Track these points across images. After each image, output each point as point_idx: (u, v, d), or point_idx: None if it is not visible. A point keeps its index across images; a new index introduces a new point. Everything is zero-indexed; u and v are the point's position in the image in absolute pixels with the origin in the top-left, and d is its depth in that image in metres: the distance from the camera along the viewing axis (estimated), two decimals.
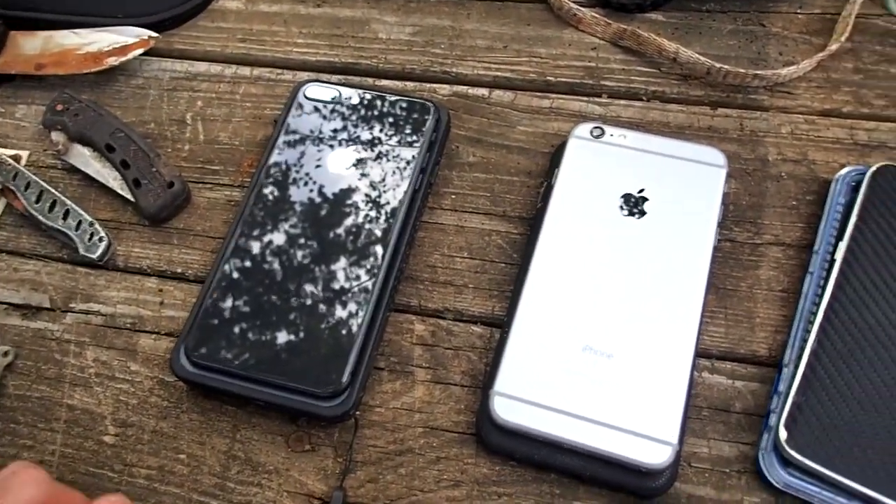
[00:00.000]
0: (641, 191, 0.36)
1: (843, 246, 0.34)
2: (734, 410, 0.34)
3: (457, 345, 0.36)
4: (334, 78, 0.44)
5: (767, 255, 0.37)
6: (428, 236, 0.39)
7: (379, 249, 0.36)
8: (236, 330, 0.35)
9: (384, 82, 0.44)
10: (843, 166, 0.38)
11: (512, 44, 0.44)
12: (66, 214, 0.40)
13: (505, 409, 0.32)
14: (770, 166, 0.39)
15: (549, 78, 0.43)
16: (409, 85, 0.44)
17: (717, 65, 0.40)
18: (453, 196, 0.40)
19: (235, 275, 0.36)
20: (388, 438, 0.34)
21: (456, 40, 0.45)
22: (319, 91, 0.41)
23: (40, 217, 0.40)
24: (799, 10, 0.43)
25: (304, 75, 0.44)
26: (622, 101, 0.42)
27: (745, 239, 0.37)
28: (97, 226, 0.40)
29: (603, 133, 0.38)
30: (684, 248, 0.35)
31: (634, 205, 0.36)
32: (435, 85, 0.43)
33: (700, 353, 0.35)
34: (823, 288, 0.34)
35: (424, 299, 0.37)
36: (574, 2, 0.44)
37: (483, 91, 0.43)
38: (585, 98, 0.42)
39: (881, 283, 0.33)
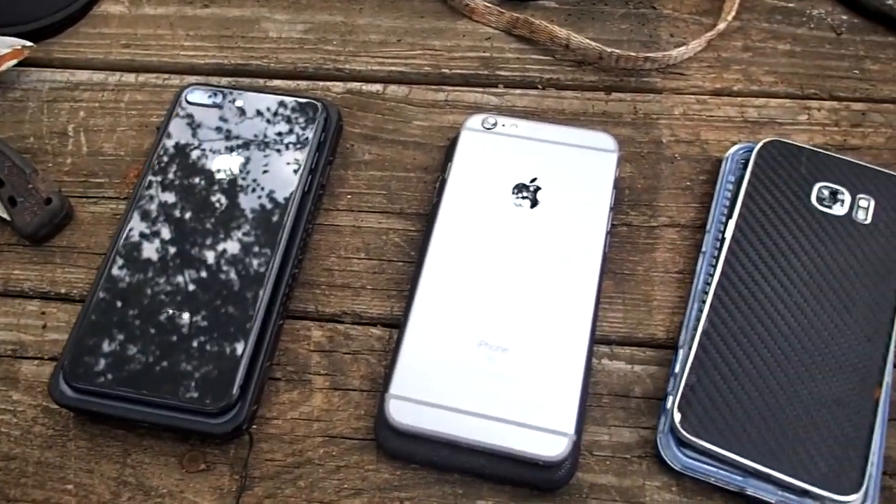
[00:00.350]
0: (534, 180, 0.36)
1: (731, 224, 0.34)
2: (634, 395, 0.33)
3: (355, 349, 0.35)
4: (224, 80, 0.42)
5: (663, 237, 0.37)
6: (323, 238, 0.38)
7: (267, 256, 0.35)
8: (118, 350, 0.33)
9: (276, 82, 0.42)
10: (734, 144, 0.38)
11: (405, 37, 0.43)
12: None
13: (401, 412, 0.31)
14: (664, 148, 0.39)
15: (443, 70, 0.42)
16: (302, 84, 0.42)
17: (609, 49, 0.40)
18: (349, 196, 0.39)
19: (115, 292, 0.34)
20: (287, 451, 0.33)
21: (349, 36, 0.44)
22: (202, 95, 0.39)
23: None
24: None
25: (193, 79, 0.42)
26: (517, 91, 0.41)
27: (641, 222, 0.37)
28: None
29: (495, 124, 0.38)
30: (578, 235, 0.34)
31: (527, 194, 0.36)
32: (328, 83, 0.42)
33: (599, 340, 0.34)
34: (715, 267, 0.34)
35: (321, 304, 0.36)
36: None
37: (377, 87, 0.42)
38: (481, 89, 0.41)
39: (769, 259, 0.33)
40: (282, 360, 0.35)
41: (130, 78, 0.43)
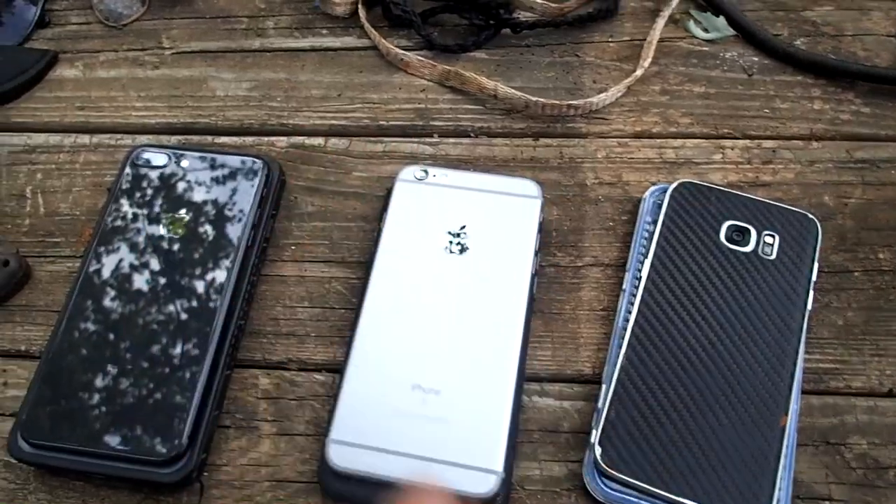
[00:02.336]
0: (463, 227, 0.38)
1: (647, 263, 0.36)
2: (563, 430, 0.35)
3: (300, 395, 0.37)
4: (174, 139, 0.45)
5: (588, 277, 0.39)
6: (270, 289, 0.40)
7: (213, 310, 0.37)
8: (71, 405, 0.35)
9: (223, 139, 0.45)
10: (653, 185, 0.40)
11: (346, 91, 0.46)
12: None
13: (340, 456, 0.33)
14: (588, 191, 0.41)
15: (381, 122, 0.44)
16: (248, 140, 0.44)
17: (534, 98, 0.42)
18: (293, 247, 0.41)
19: (68, 349, 0.36)
20: (236, 496, 0.35)
21: (291, 92, 0.46)
22: (150, 156, 0.41)
23: None
24: (610, 39, 0.46)
25: (144, 139, 0.45)
26: (451, 140, 0.44)
27: (567, 263, 0.39)
28: None
29: (426, 175, 0.40)
30: (505, 279, 0.37)
31: (457, 241, 0.38)
32: (273, 138, 0.44)
33: (529, 378, 0.36)
34: (633, 305, 0.36)
35: (268, 352, 0.38)
36: (401, 47, 0.46)
37: (319, 140, 0.44)
38: (416, 139, 0.44)
39: (682, 296, 0.35)
40: (230, 409, 0.37)
41: (85, 139, 0.45)
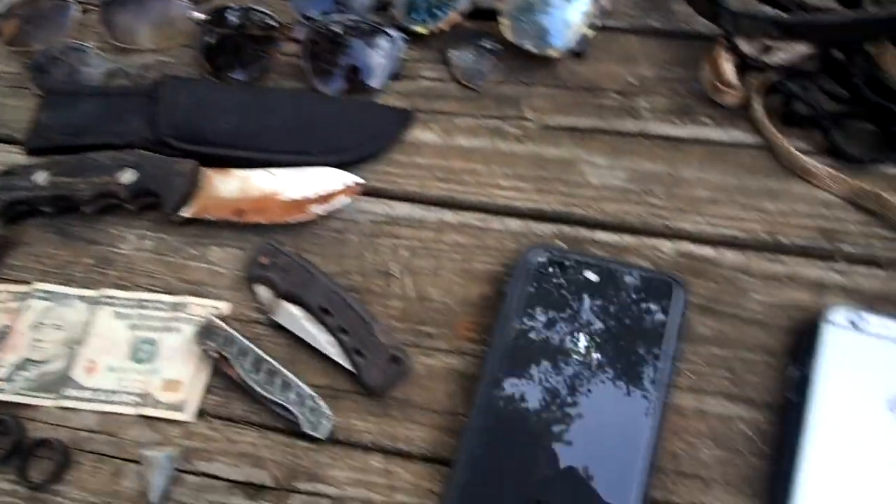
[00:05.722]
0: None
1: None
2: None
3: None
4: (546, 227, 0.42)
5: None
6: (666, 419, 0.37)
7: (635, 444, 0.34)
8: None
9: (599, 234, 0.42)
10: None
11: (736, 195, 0.42)
12: (284, 386, 0.39)
13: None
14: None
15: (779, 237, 0.40)
16: (627, 238, 0.41)
17: None
18: (690, 374, 0.38)
19: (483, 461, 0.34)
20: None
21: (674, 189, 0.42)
22: (546, 259, 0.38)
23: (258, 388, 0.38)
24: None
25: (513, 223, 0.42)
26: (862, 269, 0.39)
27: None
28: (319, 401, 0.38)
29: (861, 320, 0.36)
30: None
31: None
32: (655, 240, 0.41)
33: None
34: None
35: (670, 492, 0.36)
36: (796, 149, 0.41)
37: (709, 250, 0.41)
38: (821, 262, 0.40)
39: None
40: None
41: (449, 216, 0.43)
